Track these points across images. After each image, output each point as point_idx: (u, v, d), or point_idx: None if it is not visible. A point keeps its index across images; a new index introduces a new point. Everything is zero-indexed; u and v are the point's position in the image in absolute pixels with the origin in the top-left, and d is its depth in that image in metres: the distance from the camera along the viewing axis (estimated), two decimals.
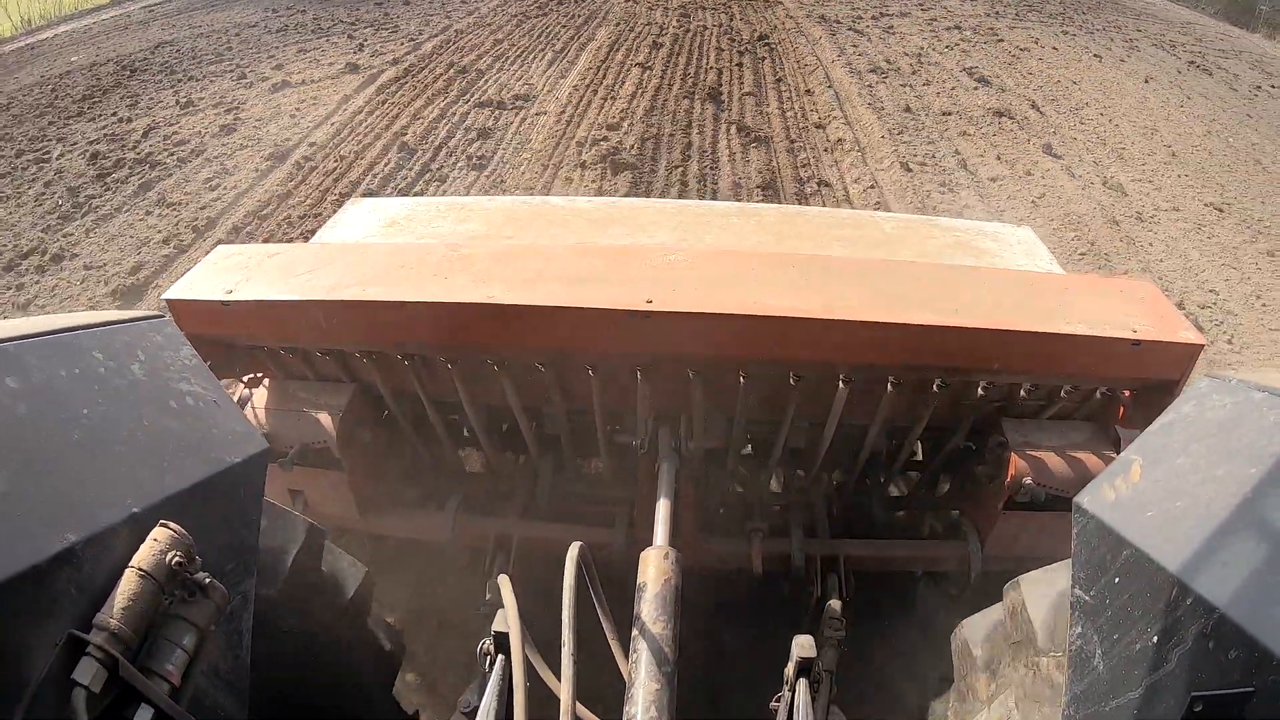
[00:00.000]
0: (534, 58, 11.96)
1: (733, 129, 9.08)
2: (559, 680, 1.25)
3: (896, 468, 2.46)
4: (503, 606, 1.43)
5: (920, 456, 2.64)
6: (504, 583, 1.47)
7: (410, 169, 8.01)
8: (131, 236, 6.62)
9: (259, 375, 2.11)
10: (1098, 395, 1.99)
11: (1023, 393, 1.96)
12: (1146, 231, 7.14)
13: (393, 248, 2.16)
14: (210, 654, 1.11)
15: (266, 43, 12.88)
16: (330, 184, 7.60)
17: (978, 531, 2.23)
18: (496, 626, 1.43)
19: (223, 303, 1.86)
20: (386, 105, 9.75)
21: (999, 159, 8.45)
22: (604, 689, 1.49)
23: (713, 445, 2.23)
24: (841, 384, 1.84)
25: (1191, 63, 12.98)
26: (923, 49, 12.71)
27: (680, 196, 7.38)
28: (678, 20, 14.47)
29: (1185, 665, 0.99)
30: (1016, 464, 1.93)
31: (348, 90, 10.27)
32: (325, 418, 2.00)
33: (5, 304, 5.83)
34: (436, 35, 13.31)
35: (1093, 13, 16.40)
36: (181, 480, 1.04)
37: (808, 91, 10.59)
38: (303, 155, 8.28)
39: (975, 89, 10.79)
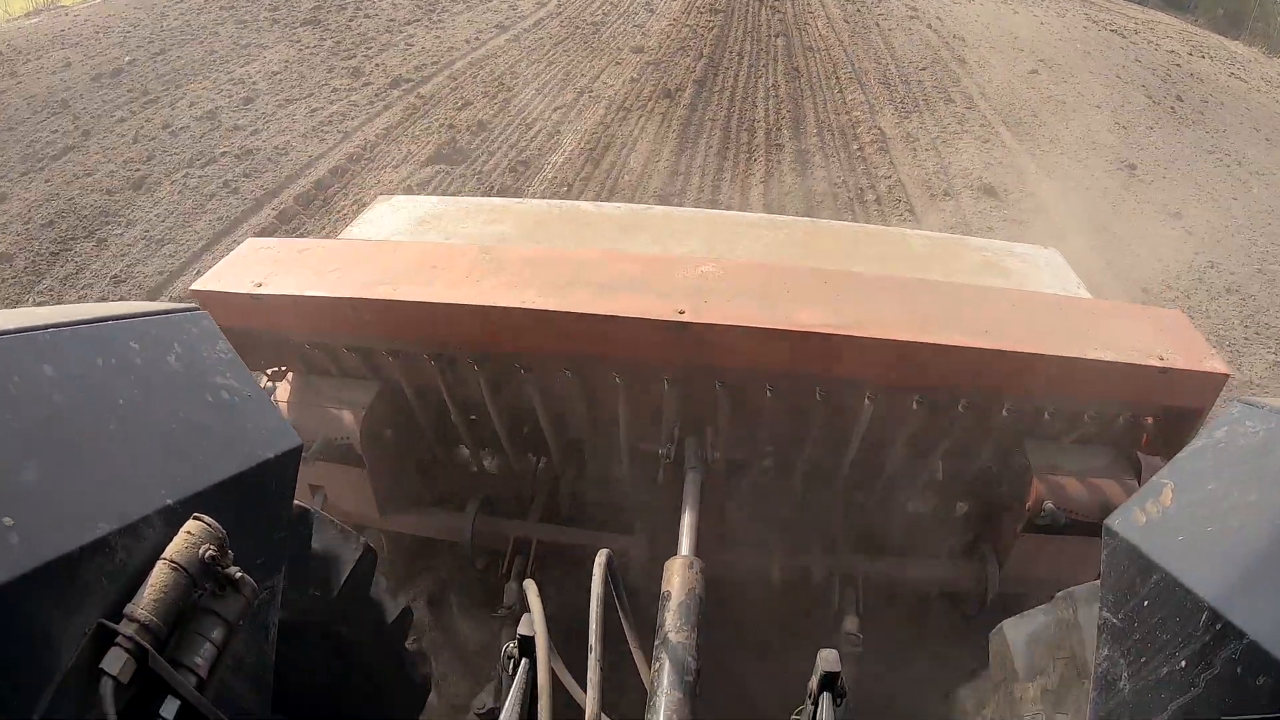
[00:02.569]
0: None
1: None
2: (583, 688, 1.25)
3: (918, 487, 2.47)
4: (527, 610, 1.44)
5: (941, 475, 2.67)
6: (530, 587, 1.47)
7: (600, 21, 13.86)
8: (433, 41, 13.05)
9: (283, 369, 2.12)
10: (1121, 420, 1.98)
11: (1046, 415, 1.96)
12: None
13: (424, 247, 2.17)
14: (237, 649, 1.11)
15: None
16: (573, 12, 14.56)
17: (996, 553, 2.21)
18: (522, 630, 1.43)
19: (252, 296, 1.86)
20: None
21: None
22: (623, 697, 1.49)
23: (738, 457, 2.22)
24: (867, 401, 1.84)
25: None
26: None
27: None
28: None
29: (1213, 691, 0.98)
30: (1038, 487, 1.92)
31: None
32: (348, 414, 2.00)
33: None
34: None
35: None
36: (215, 474, 1.04)
37: None
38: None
39: None
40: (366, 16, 14.75)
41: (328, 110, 9.91)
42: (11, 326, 0.94)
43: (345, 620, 1.64)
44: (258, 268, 1.95)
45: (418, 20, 14.39)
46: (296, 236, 6.61)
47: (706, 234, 2.51)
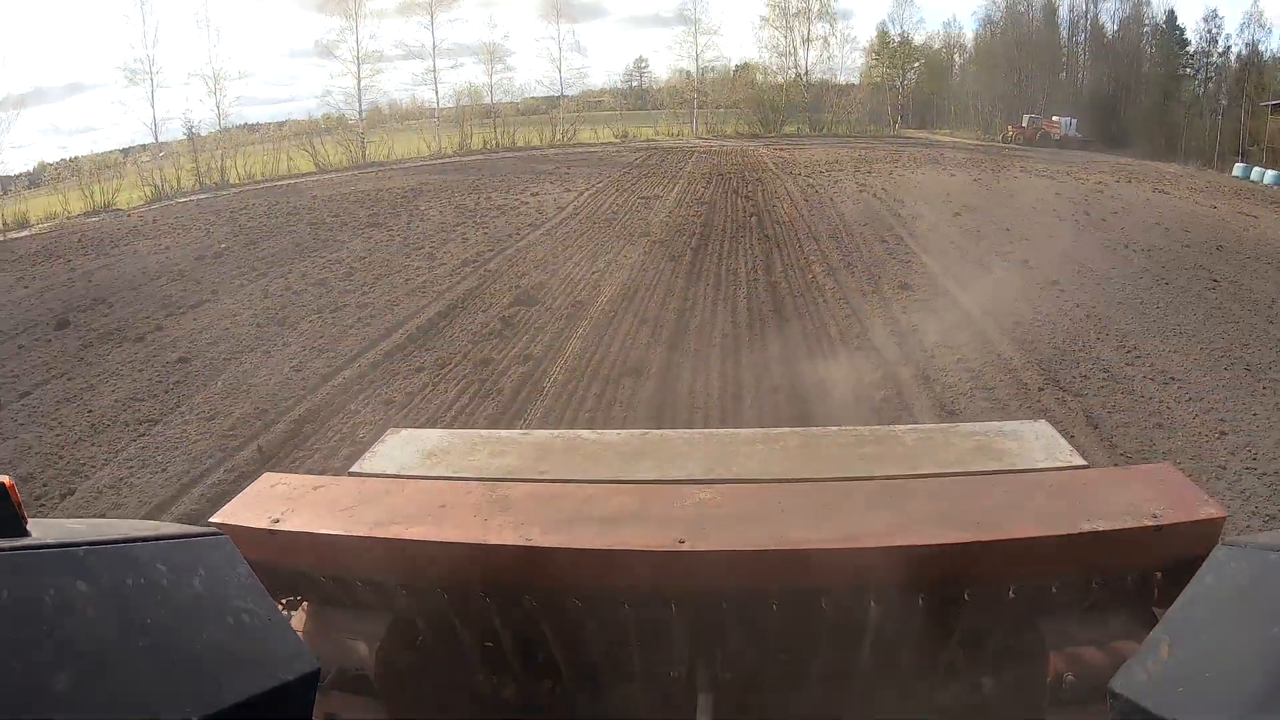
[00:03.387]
0: (658, 184, 23.70)
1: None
2: None
3: (936, 677, 2.39)
4: None
5: (959, 662, 2.56)
6: None
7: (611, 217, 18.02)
8: (483, 236, 16.71)
9: (298, 598, 2.15)
10: (1129, 581, 1.95)
11: (1054, 589, 1.92)
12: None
13: (433, 485, 2.27)
14: None
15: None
16: (588, 213, 18.53)
17: None
18: None
19: (269, 531, 1.94)
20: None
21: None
22: None
23: (749, 673, 2.26)
24: (873, 604, 1.85)
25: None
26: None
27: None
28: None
29: None
30: (1055, 661, 1.90)
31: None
32: (363, 645, 2.03)
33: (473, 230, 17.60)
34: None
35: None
36: (235, 694, 1.05)
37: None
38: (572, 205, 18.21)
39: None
40: (420, 221, 18.92)
41: (418, 280, 13.14)
42: (51, 540, 0.99)
43: None
44: (274, 503, 2.03)
45: (463, 223, 18.51)
46: (381, 394, 8.62)
47: (705, 454, 2.58)
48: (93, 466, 7.12)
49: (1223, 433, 7.17)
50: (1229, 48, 36.33)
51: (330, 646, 1.96)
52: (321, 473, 6.11)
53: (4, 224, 26.72)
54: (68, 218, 26.10)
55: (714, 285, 12.40)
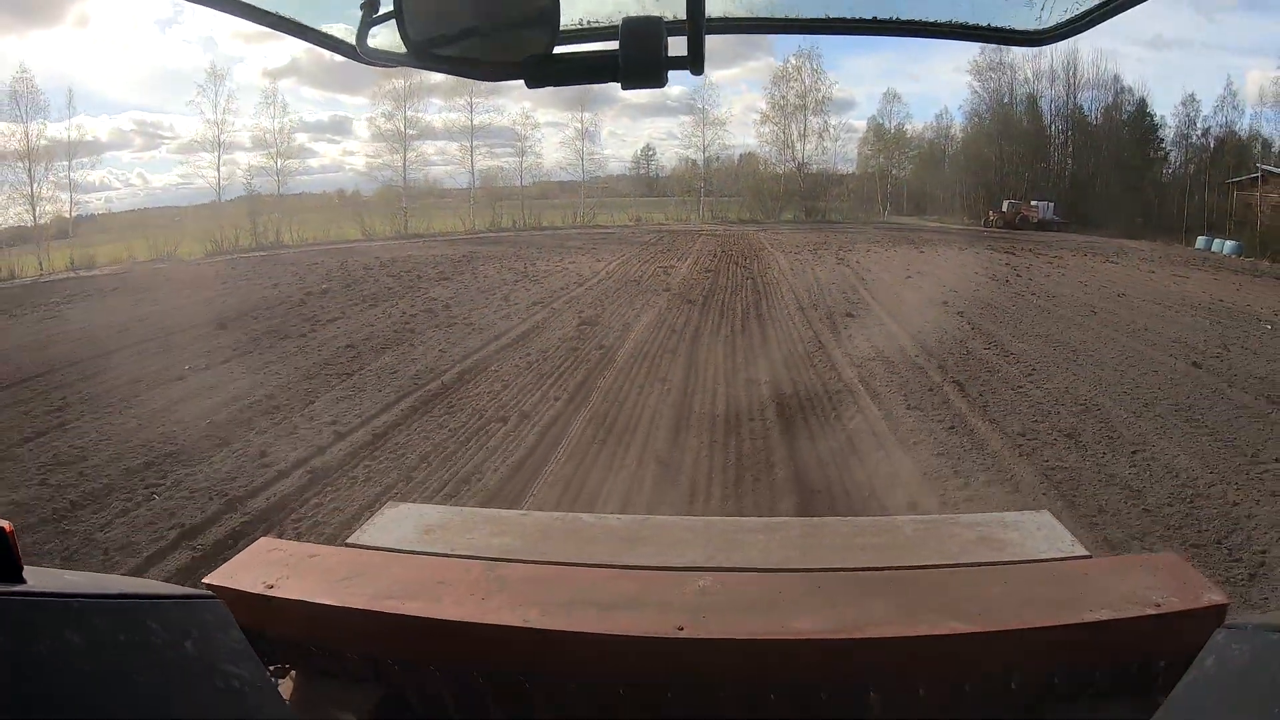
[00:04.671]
0: (673, 258, 27.78)
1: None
2: None
3: None
4: None
5: None
6: None
7: (638, 279, 23.14)
8: (540, 289, 21.68)
9: (287, 666, 2.04)
10: (1133, 670, 1.85)
11: (1057, 680, 1.84)
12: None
13: (431, 561, 2.19)
14: None
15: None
16: (619, 276, 24.05)
17: None
18: None
19: (263, 597, 1.89)
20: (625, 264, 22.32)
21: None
22: None
23: None
24: (873, 695, 1.79)
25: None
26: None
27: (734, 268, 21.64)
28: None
29: None
30: None
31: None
32: (352, 719, 1.93)
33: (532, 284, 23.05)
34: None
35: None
36: None
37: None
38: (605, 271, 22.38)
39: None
40: (483, 278, 24.15)
41: (501, 312, 18.11)
42: (49, 590, 1.00)
43: None
44: (269, 569, 1.99)
45: (521, 280, 23.73)
46: (428, 427, 10.17)
47: (705, 543, 2.47)
48: (323, 389, 11.64)
49: (1030, 371, 12.19)
50: (1207, 129, 39.55)
51: (319, 718, 1.88)
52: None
53: (73, 262, 30.84)
54: (135, 262, 31.33)
55: (719, 315, 17.51)
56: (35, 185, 34.55)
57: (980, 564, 2.09)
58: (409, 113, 42.67)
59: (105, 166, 40.58)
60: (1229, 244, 33.77)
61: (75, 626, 0.96)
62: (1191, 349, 14.10)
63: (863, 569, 2.03)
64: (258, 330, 16.25)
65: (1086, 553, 2.21)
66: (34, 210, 34.44)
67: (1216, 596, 1.72)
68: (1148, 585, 1.78)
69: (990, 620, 1.71)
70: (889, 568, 2.06)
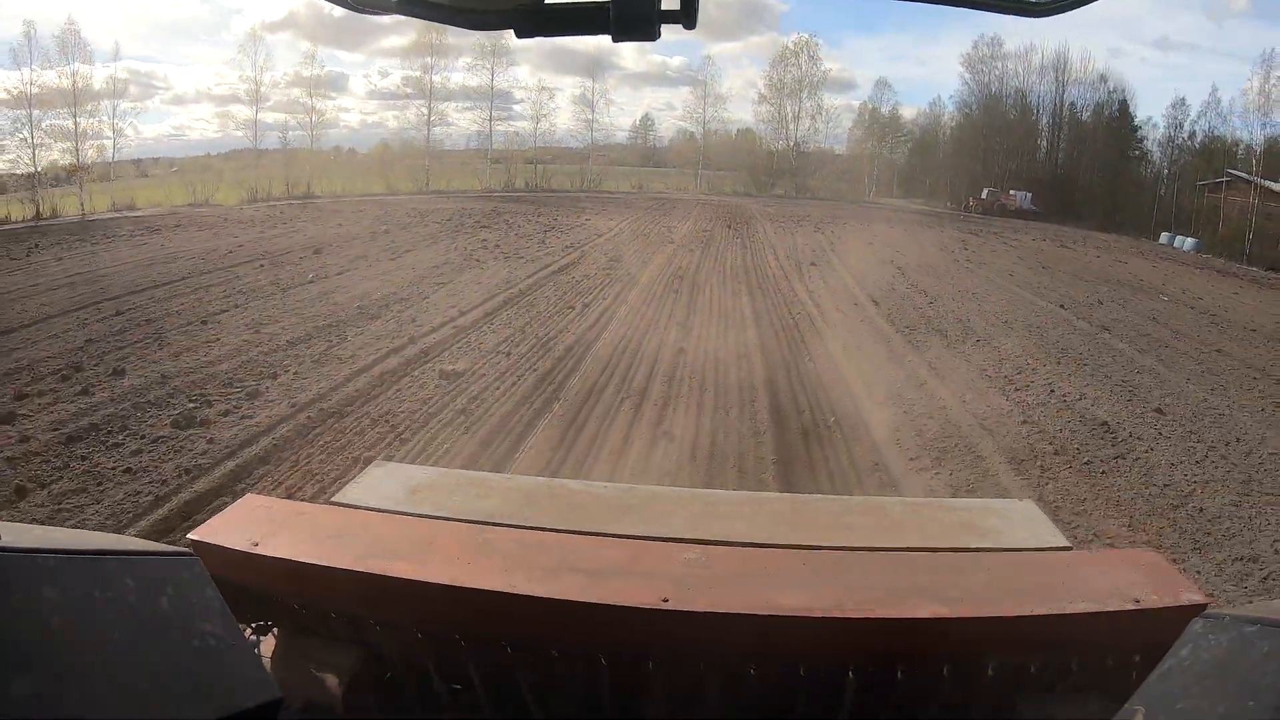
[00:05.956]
0: (675, 220, 31.61)
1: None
2: None
3: None
4: None
5: None
6: None
7: (648, 233, 27.30)
8: (567, 238, 26.25)
9: (269, 623, 2.04)
10: (1109, 663, 1.87)
11: (1033, 670, 1.85)
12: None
13: (418, 522, 2.20)
14: None
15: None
16: (631, 232, 28.07)
17: None
18: None
19: (246, 554, 1.88)
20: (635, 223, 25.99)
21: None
22: None
23: None
24: (850, 675, 1.78)
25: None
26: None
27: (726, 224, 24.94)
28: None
29: None
30: None
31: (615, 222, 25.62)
32: (332, 678, 1.93)
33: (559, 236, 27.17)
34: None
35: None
36: (195, 716, 1.05)
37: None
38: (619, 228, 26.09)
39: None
40: (517, 229, 28.61)
41: (539, 251, 22.90)
42: (21, 545, 1.00)
43: None
44: (254, 526, 1.98)
45: (549, 231, 28.27)
46: (493, 328, 14.29)
47: (692, 514, 2.48)
48: (431, 290, 16.14)
49: (932, 301, 17.12)
50: (1192, 133, 41.35)
51: (300, 676, 1.88)
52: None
53: (114, 204, 32.62)
54: (174, 207, 34.01)
55: (715, 259, 22.47)
56: (78, 127, 36.67)
57: (964, 549, 2.10)
58: (433, 77, 45.88)
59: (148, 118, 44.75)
60: (1189, 241, 36.27)
61: (49, 582, 0.96)
62: (1070, 300, 19.00)
63: (848, 548, 2.03)
64: (350, 255, 20.82)
65: (1068, 544, 2.26)
66: (76, 152, 36.65)
67: (1195, 596, 1.73)
68: (1127, 581, 1.79)
69: (971, 607, 1.72)
70: (874, 548, 2.06)
